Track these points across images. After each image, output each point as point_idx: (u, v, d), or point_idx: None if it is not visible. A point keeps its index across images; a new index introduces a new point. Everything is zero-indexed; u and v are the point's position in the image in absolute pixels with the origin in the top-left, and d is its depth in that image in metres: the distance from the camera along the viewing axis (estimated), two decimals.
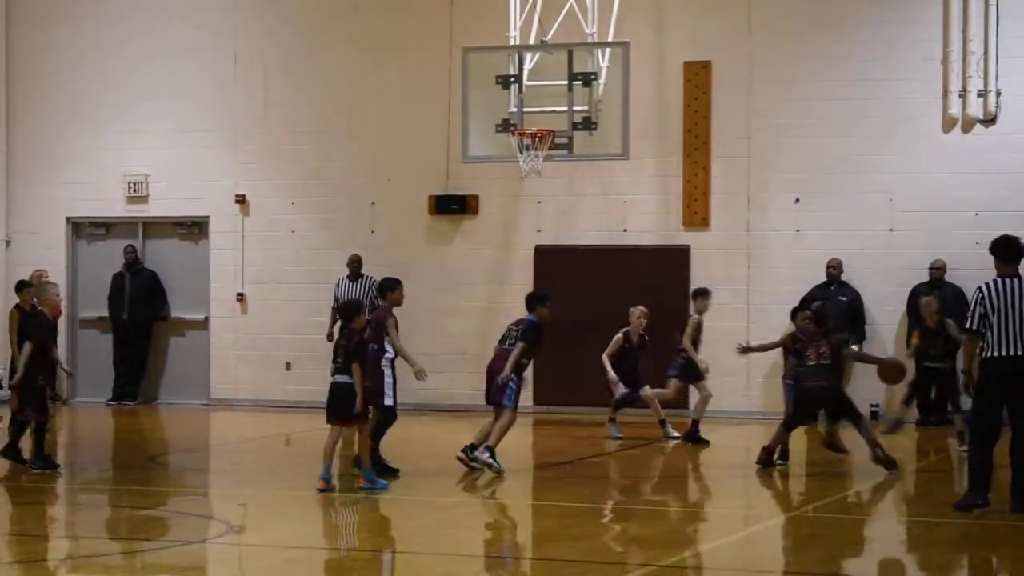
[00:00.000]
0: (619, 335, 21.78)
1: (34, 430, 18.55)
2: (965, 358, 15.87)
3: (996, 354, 15.27)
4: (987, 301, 15.35)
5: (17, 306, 21.95)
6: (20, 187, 27.93)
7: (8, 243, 27.92)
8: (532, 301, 19.09)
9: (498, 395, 18.37)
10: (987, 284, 15.53)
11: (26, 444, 18.61)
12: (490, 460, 18.00)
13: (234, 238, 26.98)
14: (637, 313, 21.82)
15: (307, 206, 26.69)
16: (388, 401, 17.72)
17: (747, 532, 15.31)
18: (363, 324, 17.13)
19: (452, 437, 20.89)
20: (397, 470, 17.80)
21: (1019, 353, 15.21)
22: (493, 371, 18.47)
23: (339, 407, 16.89)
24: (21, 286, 21.95)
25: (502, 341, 18.70)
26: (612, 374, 21.57)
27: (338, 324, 24.82)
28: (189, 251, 27.42)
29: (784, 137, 24.79)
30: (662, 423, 21.91)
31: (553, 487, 18.50)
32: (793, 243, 24.70)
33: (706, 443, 21.27)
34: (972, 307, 15.51)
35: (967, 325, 15.58)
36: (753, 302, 24.79)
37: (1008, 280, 15.45)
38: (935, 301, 21.27)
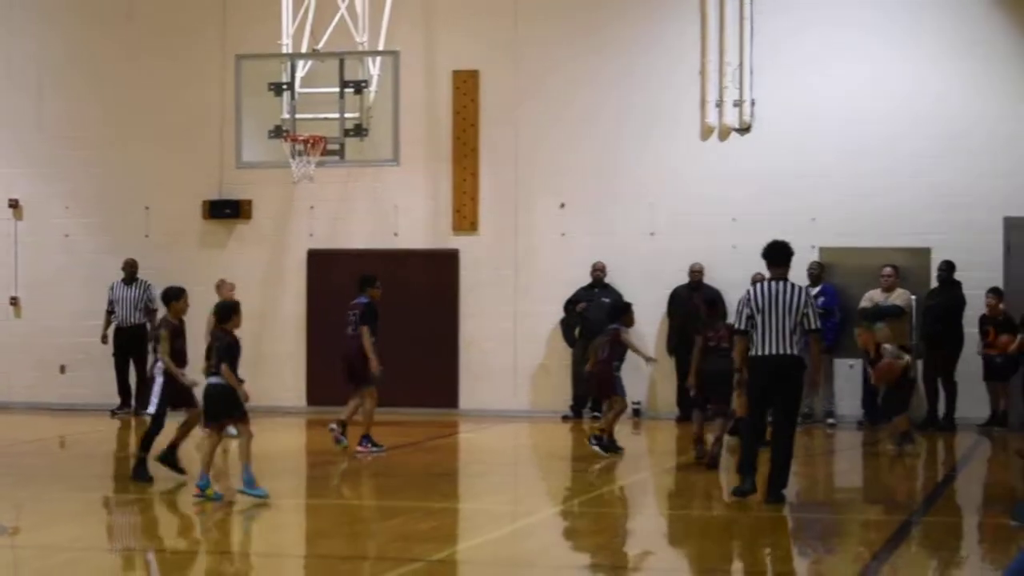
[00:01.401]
0: None
1: None
2: (737, 357, 16.22)
3: (761, 353, 15.71)
4: (753, 303, 15.78)
5: None
6: None
7: None
8: (363, 283, 20.06)
9: (361, 377, 19.78)
10: (753, 287, 16.02)
11: None
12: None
13: (7, 242, 26.55)
14: None
15: (81, 211, 26.36)
16: (152, 409, 17.46)
17: (514, 527, 15.45)
18: (238, 325, 16.79)
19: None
20: (184, 471, 17.57)
21: (780, 352, 15.63)
22: (349, 356, 19.84)
23: (216, 408, 16.41)
24: None
25: (347, 327, 19.89)
26: None
27: (111, 328, 24.81)
28: None
29: (549, 145, 25.03)
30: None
31: (329, 485, 18.50)
32: (559, 246, 24.95)
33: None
34: (739, 309, 15.94)
35: (736, 326, 16.02)
36: (520, 304, 24.99)
37: (774, 283, 15.86)
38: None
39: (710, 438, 18.64)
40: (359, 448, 19.97)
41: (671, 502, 17.40)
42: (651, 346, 24.09)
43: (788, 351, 15.68)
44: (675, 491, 18.16)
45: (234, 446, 17.56)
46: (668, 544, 14.81)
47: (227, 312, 16.73)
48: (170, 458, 17.51)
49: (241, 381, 16.42)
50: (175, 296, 17.47)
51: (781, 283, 15.86)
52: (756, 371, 15.83)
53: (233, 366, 16.37)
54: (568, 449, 21.72)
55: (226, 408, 16.43)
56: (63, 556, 13.78)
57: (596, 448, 19.49)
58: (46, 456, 21.08)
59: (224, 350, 16.37)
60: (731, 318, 17.39)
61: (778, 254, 16.09)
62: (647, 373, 23.79)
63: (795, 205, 24.04)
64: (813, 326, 15.79)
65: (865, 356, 20.00)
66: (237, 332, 16.59)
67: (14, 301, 26.48)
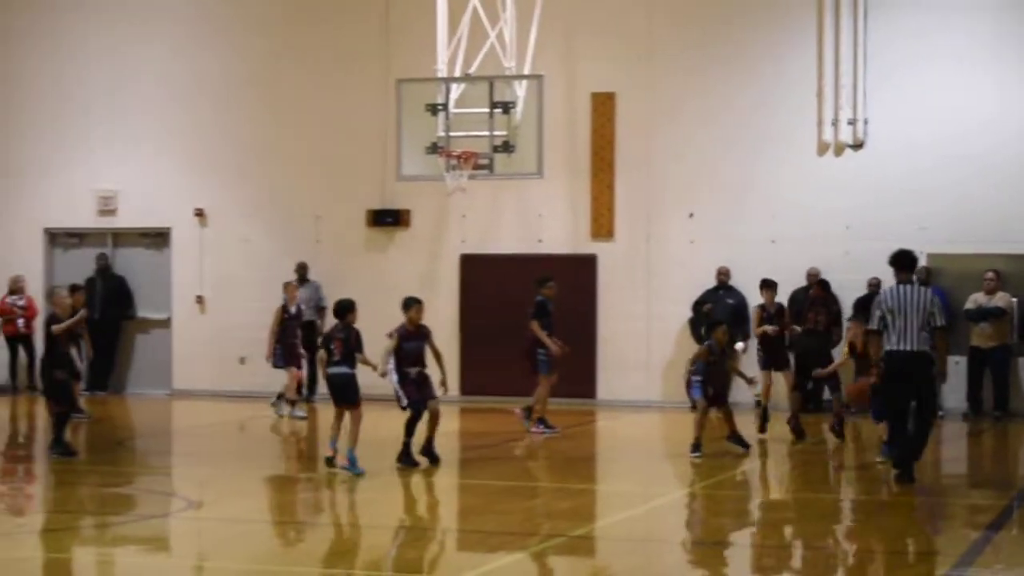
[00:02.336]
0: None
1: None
2: (873, 354, 16.44)
3: (894, 349, 15.93)
4: (884, 305, 16.02)
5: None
6: (1, 201, 27.67)
7: None
8: (538, 283, 20.56)
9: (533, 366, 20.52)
10: (885, 290, 16.23)
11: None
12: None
13: (193, 246, 26.85)
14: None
15: (259, 219, 26.59)
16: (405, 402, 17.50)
17: (647, 507, 15.36)
18: (355, 319, 17.08)
19: (388, 424, 20.88)
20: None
21: (911, 348, 15.86)
22: (524, 348, 20.71)
23: (346, 394, 16.82)
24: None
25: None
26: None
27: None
28: (154, 258, 27.28)
29: (679, 159, 24.90)
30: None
31: (479, 468, 18.51)
32: (687, 252, 24.80)
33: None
34: (872, 310, 16.22)
35: (869, 326, 16.32)
36: (652, 304, 24.88)
37: (902, 286, 16.10)
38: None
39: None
40: (533, 429, 20.46)
41: (788, 485, 17.22)
42: None
43: (917, 347, 15.88)
44: (791, 475, 17.97)
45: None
46: (785, 524, 14.65)
47: (345, 309, 17.26)
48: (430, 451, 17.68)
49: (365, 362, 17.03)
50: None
51: (909, 286, 16.11)
52: (891, 366, 16.01)
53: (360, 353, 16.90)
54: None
55: (345, 395, 16.71)
56: (240, 528, 13.89)
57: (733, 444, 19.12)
58: (226, 439, 21.28)
59: (355, 342, 16.86)
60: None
61: (904, 260, 16.33)
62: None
63: (904, 214, 23.72)
64: (940, 323, 16.02)
65: (852, 350, 19.65)
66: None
67: (200, 299, 26.76)
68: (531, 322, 20.73)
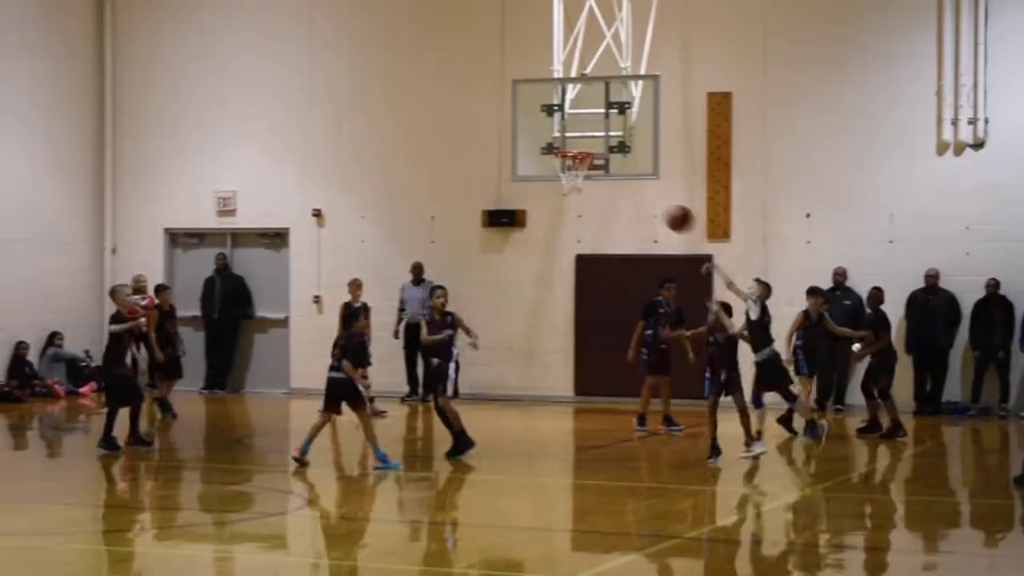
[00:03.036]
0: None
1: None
2: None
3: None
4: None
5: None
6: (124, 201, 28.04)
7: (114, 251, 28.03)
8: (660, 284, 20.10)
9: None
10: None
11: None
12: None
13: (311, 247, 27.04)
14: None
15: (375, 219, 26.72)
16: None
17: (763, 508, 15.23)
18: (365, 327, 17.57)
19: (504, 422, 20.94)
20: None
21: None
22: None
23: (340, 397, 17.02)
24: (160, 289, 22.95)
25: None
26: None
27: (402, 324, 25.12)
28: (272, 258, 27.50)
29: (796, 159, 24.72)
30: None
31: (593, 468, 18.46)
32: (804, 253, 24.60)
33: (795, 433, 20.49)
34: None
35: None
36: (769, 306, 24.61)
37: None
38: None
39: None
40: (662, 428, 20.76)
41: (906, 488, 17.01)
42: None
43: None
44: (911, 478, 17.76)
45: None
46: (903, 526, 14.47)
47: (355, 315, 17.67)
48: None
49: (364, 376, 17.38)
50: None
51: None
52: None
53: (360, 364, 17.19)
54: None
55: (344, 398, 16.96)
56: (355, 526, 13.94)
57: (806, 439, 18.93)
58: (341, 437, 21.31)
59: (352, 350, 17.02)
60: None
61: None
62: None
63: None
64: None
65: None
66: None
67: (317, 299, 26.92)
68: (639, 322, 20.92)
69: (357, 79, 26.82)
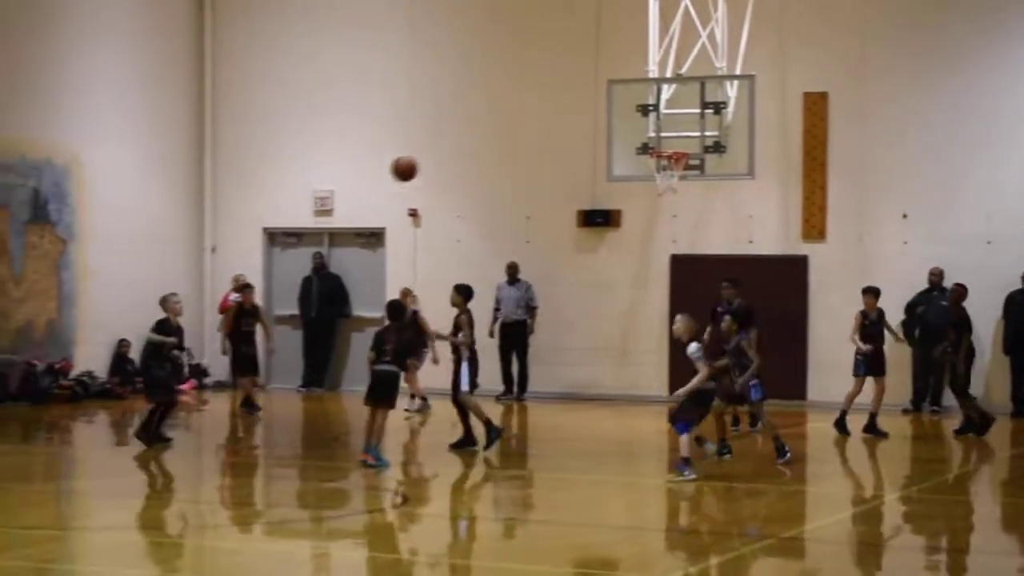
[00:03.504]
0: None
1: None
2: None
3: None
4: None
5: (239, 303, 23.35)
6: (223, 203, 28.29)
7: (214, 250, 28.29)
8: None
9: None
10: None
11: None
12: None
13: (408, 246, 27.15)
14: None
15: (470, 219, 26.79)
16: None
17: (859, 509, 15.13)
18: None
19: (596, 422, 20.93)
20: None
21: None
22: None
23: (387, 392, 17.17)
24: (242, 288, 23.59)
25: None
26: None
27: (497, 323, 25.17)
28: (368, 258, 27.63)
29: (893, 159, 24.52)
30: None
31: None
32: (900, 253, 24.40)
33: (885, 435, 20.47)
34: None
35: None
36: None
37: None
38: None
39: None
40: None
41: (1004, 490, 16.83)
42: (987, 347, 23.49)
43: None
44: (1008, 480, 17.56)
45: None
46: (1002, 530, 14.32)
47: (401, 310, 17.95)
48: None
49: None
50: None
51: None
52: None
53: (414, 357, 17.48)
54: (908, 439, 21.22)
55: (393, 394, 17.16)
56: (452, 524, 13.98)
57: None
58: (438, 435, 21.32)
59: (404, 346, 17.47)
60: None
61: None
62: (983, 370, 23.16)
63: None
64: None
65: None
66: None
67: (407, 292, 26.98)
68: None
69: (455, 80, 26.89)
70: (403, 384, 18.34)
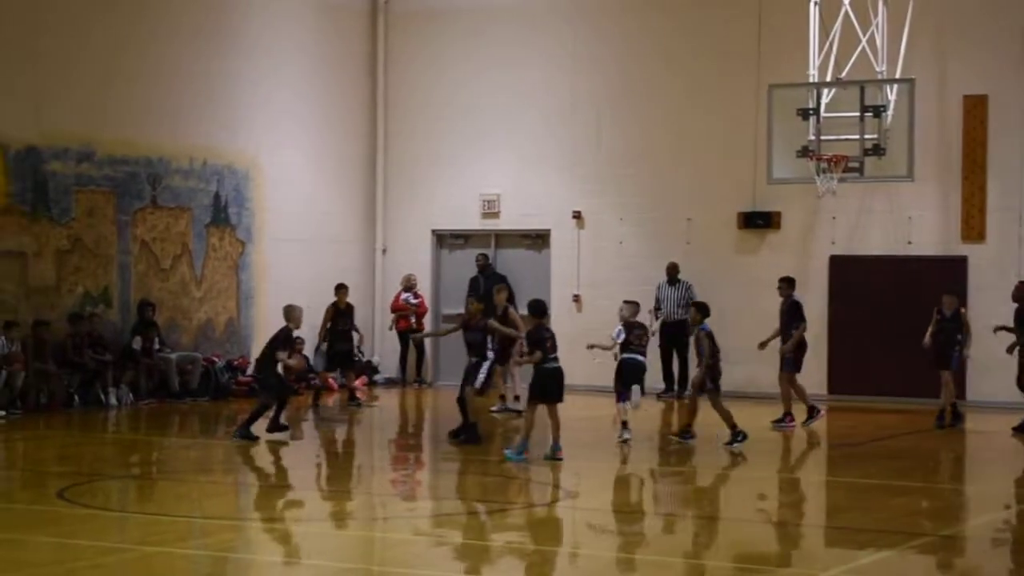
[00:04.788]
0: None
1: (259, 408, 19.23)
2: None
3: None
4: None
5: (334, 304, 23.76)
6: (394, 205, 28.58)
7: (384, 251, 28.60)
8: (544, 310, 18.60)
9: None
10: None
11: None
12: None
13: (571, 248, 27.21)
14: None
15: (632, 221, 26.77)
16: None
17: (1017, 509, 14.89)
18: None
19: (754, 420, 20.81)
20: None
21: None
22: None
23: (561, 387, 17.25)
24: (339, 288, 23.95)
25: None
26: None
27: (658, 322, 25.13)
28: (533, 258, 27.74)
29: None
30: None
31: (846, 465, 18.26)
32: None
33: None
34: None
35: None
36: None
37: None
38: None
39: None
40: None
41: None
42: None
43: None
44: None
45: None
46: None
47: (543, 309, 17.91)
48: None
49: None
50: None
51: None
52: None
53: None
54: None
55: (560, 389, 17.18)
56: (609, 518, 14.00)
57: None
58: (599, 432, 21.36)
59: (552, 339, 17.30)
60: None
61: None
62: None
63: None
64: None
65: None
66: None
67: (576, 298, 27.08)
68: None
69: (617, 84, 26.89)
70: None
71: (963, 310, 21.58)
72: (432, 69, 28.28)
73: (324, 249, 27.38)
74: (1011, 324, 20.98)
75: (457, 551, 12.44)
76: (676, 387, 25.23)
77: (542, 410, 17.25)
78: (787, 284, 21.68)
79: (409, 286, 27.35)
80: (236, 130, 25.84)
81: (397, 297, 27.28)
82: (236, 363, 25.17)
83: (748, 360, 24.66)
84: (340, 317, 23.70)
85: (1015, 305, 20.99)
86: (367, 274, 28.27)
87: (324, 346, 23.94)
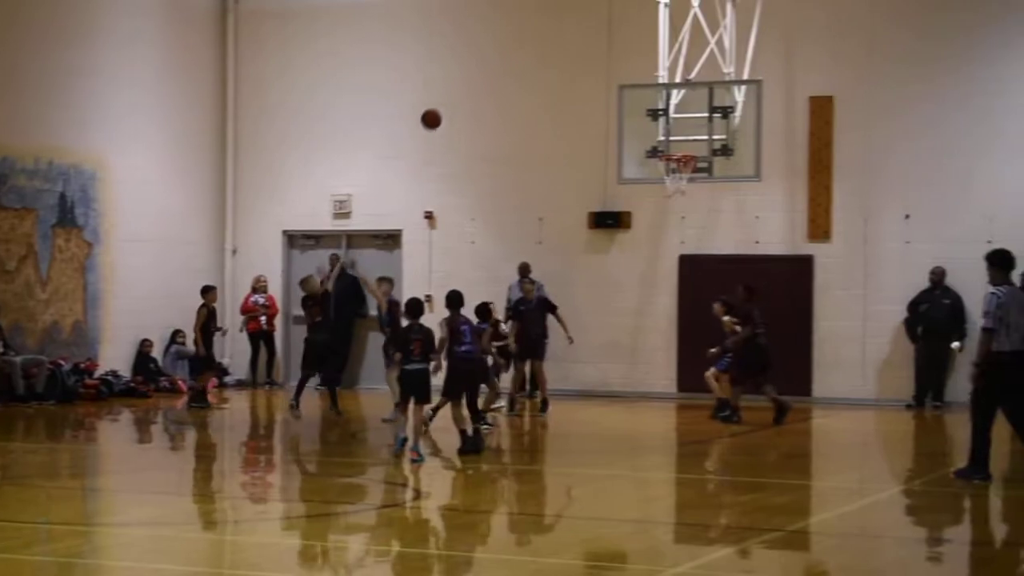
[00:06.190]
0: None
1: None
2: (979, 353, 15.59)
3: (1007, 348, 15.23)
4: (1004, 305, 15.30)
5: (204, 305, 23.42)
6: (244, 206, 28.34)
7: (234, 252, 28.33)
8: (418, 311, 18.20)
9: None
10: (1000, 290, 15.37)
11: None
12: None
13: (424, 248, 27.18)
14: None
15: (484, 221, 26.81)
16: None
17: (862, 503, 15.11)
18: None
19: (607, 419, 20.91)
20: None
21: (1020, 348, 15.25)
22: None
23: (425, 390, 17.04)
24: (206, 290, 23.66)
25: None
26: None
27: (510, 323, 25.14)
28: (385, 259, 27.65)
29: (896, 162, 24.51)
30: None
31: (696, 462, 18.42)
32: (903, 253, 24.38)
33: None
34: (991, 310, 15.34)
35: (986, 325, 15.42)
36: (868, 304, 24.51)
37: (1009, 287, 15.49)
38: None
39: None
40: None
41: (1004, 486, 16.78)
42: None
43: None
44: (1008, 476, 17.51)
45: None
46: (1003, 521, 14.30)
47: (420, 309, 17.63)
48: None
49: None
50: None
51: (1014, 287, 15.54)
52: (1002, 366, 15.26)
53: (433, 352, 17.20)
54: (911, 434, 21.20)
55: (425, 391, 16.99)
56: (465, 519, 13.99)
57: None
58: (448, 429, 21.33)
59: (430, 340, 17.14)
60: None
61: (1010, 260, 15.68)
62: None
63: None
64: None
65: None
66: None
67: (428, 298, 26.98)
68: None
69: (468, 85, 26.91)
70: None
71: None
72: (284, 69, 28.09)
73: (173, 250, 27.05)
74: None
75: (307, 553, 12.34)
76: (528, 387, 25.25)
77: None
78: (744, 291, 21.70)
79: (258, 287, 27.13)
80: (83, 129, 25.43)
81: (247, 299, 27.05)
82: (83, 366, 24.76)
83: (600, 360, 24.84)
84: (213, 319, 23.38)
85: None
86: (217, 275, 27.96)
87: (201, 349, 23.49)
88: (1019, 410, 15.55)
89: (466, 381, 17.67)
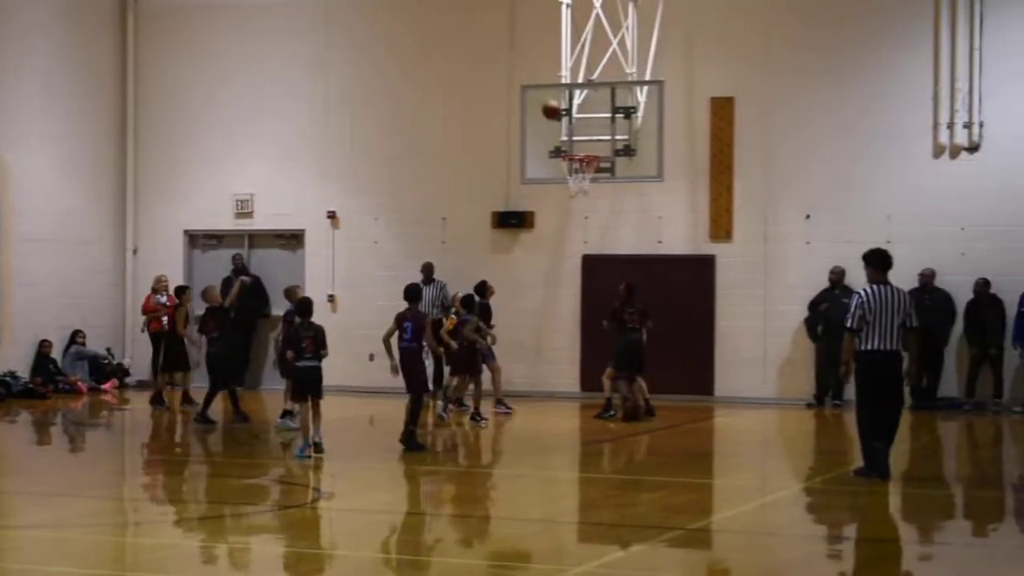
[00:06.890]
0: None
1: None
2: (845, 352, 15.88)
3: (870, 348, 15.54)
4: (866, 305, 15.54)
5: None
6: (145, 205, 28.12)
7: (135, 251, 28.10)
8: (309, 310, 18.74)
9: None
10: (865, 290, 15.63)
11: None
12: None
13: (326, 248, 27.10)
14: None
15: (387, 221, 26.76)
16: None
17: (762, 501, 15.25)
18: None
19: (511, 419, 20.93)
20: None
21: (888, 348, 15.53)
22: None
23: (317, 386, 17.50)
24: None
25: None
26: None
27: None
28: (288, 259, 27.54)
29: (797, 162, 24.74)
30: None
31: (598, 462, 18.50)
32: (803, 253, 24.62)
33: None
34: (853, 310, 15.64)
35: (848, 324, 15.70)
36: (768, 304, 24.73)
37: (882, 287, 15.70)
38: None
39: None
40: None
41: (902, 482, 16.99)
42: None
43: (893, 347, 15.53)
44: (906, 471, 17.75)
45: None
46: (900, 519, 14.50)
47: (310, 307, 18.18)
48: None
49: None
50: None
51: (888, 287, 15.68)
52: (866, 365, 15.59)
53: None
54: (812, 433, 21.41)
55: (318, 387, 17.53)
56: (370, 519, 13.97)
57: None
58: (356, 432, 21.40)
59: (323, 338, 17.72)
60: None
61: (886, 260, 15.91)
62: None
63: (1020, 216, 23.44)
64: (914, 324, 15.65)
65: None
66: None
67: (331, 298, 26.97)
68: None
69: (370, 84, 26.87)
70: None
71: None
72: (185, 67, 27.90)
73: (73, 250, 26.79)
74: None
75: (210, 554, 12.28)
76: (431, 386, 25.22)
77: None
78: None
79: (159, 287, 26.90)
80: None
81: (148, 299, 26.82)
82: None
83: (504, 359, 24.80)
84: (187, 320, 23.26)
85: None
86: (117, 274, 27.76)
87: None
88: (881, 407, 15.76)
89: (405, 374, 17.78)
